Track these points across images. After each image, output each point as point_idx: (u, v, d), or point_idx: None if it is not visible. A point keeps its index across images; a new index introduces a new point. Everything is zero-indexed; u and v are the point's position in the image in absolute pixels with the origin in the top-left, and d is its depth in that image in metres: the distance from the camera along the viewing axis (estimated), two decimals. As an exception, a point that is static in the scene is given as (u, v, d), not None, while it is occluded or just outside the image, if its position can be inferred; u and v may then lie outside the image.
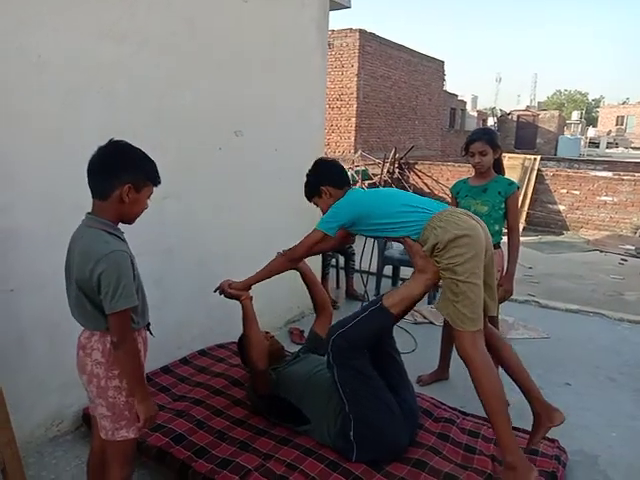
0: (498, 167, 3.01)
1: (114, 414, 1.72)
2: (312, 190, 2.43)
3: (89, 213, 1.70)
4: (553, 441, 2.51)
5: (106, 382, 1.69)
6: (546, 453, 2.38)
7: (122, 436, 1.73)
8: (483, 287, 2.08)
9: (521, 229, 10.37)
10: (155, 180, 1.73)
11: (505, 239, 3.01)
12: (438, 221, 2.07)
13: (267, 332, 2.90)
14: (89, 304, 1.65)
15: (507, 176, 3.07)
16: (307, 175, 2.46)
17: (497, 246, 3.02)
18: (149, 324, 1.86)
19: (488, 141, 2.88)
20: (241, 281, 2.55)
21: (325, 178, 2.39)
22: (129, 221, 1.75)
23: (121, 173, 1.63)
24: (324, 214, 2.36)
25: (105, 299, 1.58)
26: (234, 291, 2.58)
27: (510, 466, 2.03)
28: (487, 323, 2.24)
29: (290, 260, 2.41)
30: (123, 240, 1.70)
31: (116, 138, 1.67)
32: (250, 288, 2.57)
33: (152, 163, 1.72)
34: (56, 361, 2.52)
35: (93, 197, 1.69)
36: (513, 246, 2.98)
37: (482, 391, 2.08)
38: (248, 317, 2.59)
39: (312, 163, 2.50)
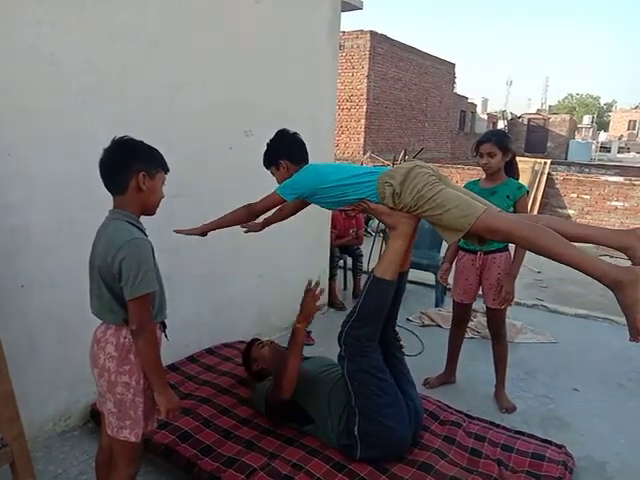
0: (511, 170, 2.99)
1: (120, 411, 1.73)
2: (270, 160, 2.41)
3: (111, 210, 1.74)
4: (560, 447, 2.50)
5: (116, 377, 1.71)
6: (553, 459, 2.36)
7: (124, 437, 1.74)
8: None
9: (530, 233, 10.33)
10: (165, 167, 1.79)
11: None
12: (385, 177, 2.15)
13: (271, 341, 2.92)
14: (107, 293, 1.67)
15: (519, 179, 3.05)
16: (268, 144, 2.43)
17: (504, 248, 3.02)
18: (165, 327, 1.88)
19: (497, 143, 2.88)
20: (200, 226, 2.47)
21: (285, 153, 2.37)
22: (151, 210, 1.79)
23: (133, 163, 1.69)
24: (280, 184, 2.39)
25: (126, 285, 1.61)
26: (192, 230, 2.47)
27: (615, 283, 1.79)
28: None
29: (249, 214, 2.42)
30: (144, 231, 1.74)
31: (118, 136, 1.72)
32: (206, 234, 2.48)
33: (158, 152, 1.78)
34: (65, 357, 2.54)
35: (113, 194, 1.73)
36: (520, 249, 2.95)
37: (539, 247, 1.89)
38: (297, 344, 2.39)
39: (276, 132, 2.43)
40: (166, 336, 1.90)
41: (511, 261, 2.99)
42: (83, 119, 2.48)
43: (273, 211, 2.57)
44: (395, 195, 2.10)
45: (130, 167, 1.68)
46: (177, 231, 2.41)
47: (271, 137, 2.43)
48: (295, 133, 2.42)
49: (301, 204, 2.50)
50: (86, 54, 2.46)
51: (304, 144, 2.43)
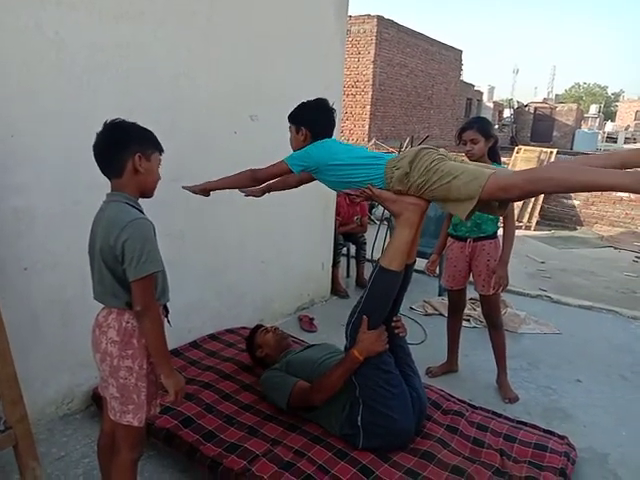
0: (494, 155, 3.00)
1: (122, 396, 1.72)
2: (294, 120, 2.36)
3: (109, 193, 1.72)
4: (563, 438, 2.49)
5: (118, 362, 1.70)
6: (555, 449, 2.35)
7: (127, 421, 1.73)
8: None
9: (534, 223, 10.28)
10: (160, 147, 1.77)
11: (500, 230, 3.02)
12: (393, 161, 2.13)
13: (275, 328, 2.91)
14: (110, 275, 1.66)
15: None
16: (303, 104, 2.36)
17: (493, 236, 3.04)
18: (168, 311, 1.86)
19: (479, 129, 2.88)
20: (202, 183, 2.46)
21: (311, 122, 2.31)
22: (149, 192, 1.78)
23: (128, 145, 1.67)
24: (292, 146, 2.38)
25: (130, 266, 1.59)
26: (195, 187, 2.46)
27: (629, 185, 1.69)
28: None
29: (253, 179, 2.37)
30: (143, 213, 1.72)
31: (110, 119, 1.69)
32: (209, 193, 2.47)
33: (151, 132, 1.75)
34: (67, 340, 2.54)
35: (110, 178, 1.71)
36: (508, 233, 2.97)
37: (561, 184, 1.83)
38: (347, 370, 2.25)
39: (318, 98, 2.37)
40: (169, 321, 1.88)
41: (500, 248, 3.01)
42: (87, 100, 2.44)
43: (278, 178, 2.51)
44: (404, 176, 2.07)
45: (125, 149, 1.66)
46: (184, 187, 2.46)
47: (310, 99, 2.37)
48: (332, 109, 2.36)
49: (307, 177, 2.45)
50: (90, 34, 2.42)
51: (334, 123, 2.38)
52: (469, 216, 2.00)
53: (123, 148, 1.67)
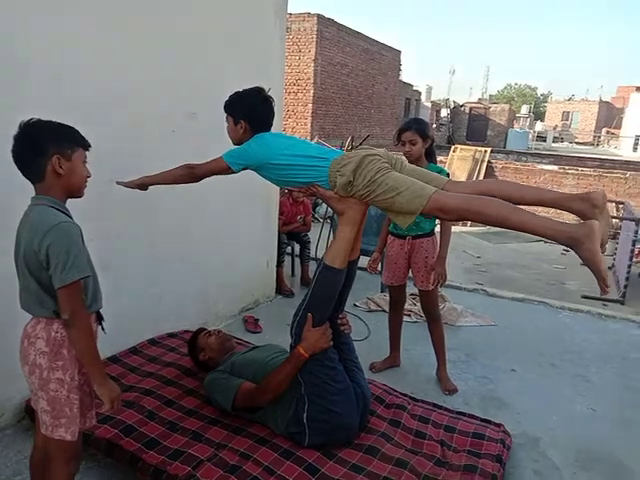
0: (430, 156, 3.11)
1: (54, 409, 1.65)
2: (231, 110, 2.30)
3: (33, 197, 1.64)
4: (499, 425, 2.62)
5: (48, 374, 1.62)
6: (492, 437, 2.47)
7: (60, 435, 1.67)
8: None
9: (471, 219, 10.70)
10: (83, 143, 1.68)
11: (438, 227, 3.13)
12: (337, 165, 2.11)
13: (218, 331, 2.87)
14: (34, 282, 1.59)
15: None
16: (238, 93, 2.30)
17: (431, 233, 3.15)
18: (102, 318, 1.79)
19: (417, 130, 2.99)
20: (138, 178, 2.39)
21: (248, 113, 2.25)
22: (77, 193, 1.71)
23: (43, 148, 1.59)
24: (230, 137, 2.33)
25: (55, 272, 1.53)
26: (130, 182, 2.39)
27: (572, 240, 1.78)
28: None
29: (190, 175, 2.32)
30: (70, 217, 1.65)
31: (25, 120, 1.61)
32: (146, 188, 2.40)
33: (72, 128, 1.67)
34: (-5, 352, 2.39)
35: (32, 183, 1.64)
36: (445, 230, 3.09)
37: (493, 219, 1.92)
38: (294, 369, 2.26)
39: (254, 86, 2.30)
40: (103, 329, 1.82)
41: (437, 245, 3.13)
42: (14, 96, 2.30)
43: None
44: (347, 184, 2.07)
45: (42, 152, 1.58)
46: (118, 182, 2.35)
47: (246, 88, 2.30)
48: (269, 98, 2.30)
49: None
50: (17, 27, 2.28)
51: (273, 114, 2.32)
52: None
53: (39, 151, 1.59)
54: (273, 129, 2.39)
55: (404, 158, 2.73)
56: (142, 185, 2.38)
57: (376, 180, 2.02)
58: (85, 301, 1.64)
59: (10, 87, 2.31)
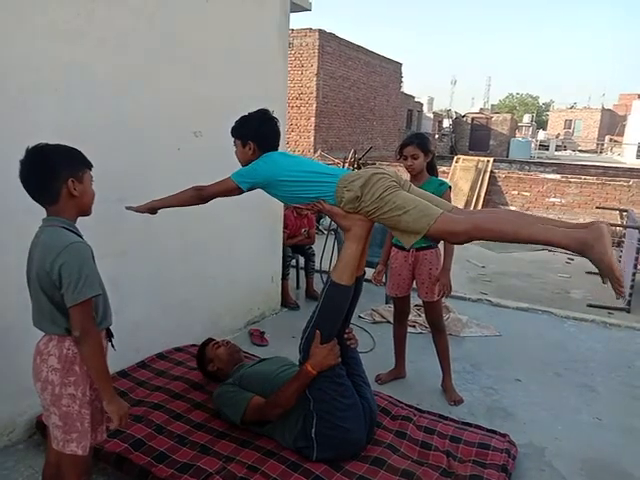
0: (431, 170, 3.17)
1: (66, 424, 1.69)
2: (239, 134, 2.37)
3: (45, 218, 1.69)
4: (504, 436, 2.63)
5: (60, 389, 1.66)
6: (497, 447, 2.48)
7: (71, 450, 1.70)
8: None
9: (475, 229, 10.71)
10: (89, 163, 1.75)
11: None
12: (344, 181, 2.15)
13: (227, 341, 2.91)
14: (47, 302, 1.63)
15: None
16: (245, 117, 2.37)
17: (435, 245, 3.19)
18: (112, 335, 1.84)
19: (419, 145, 3.05)
20: (147, 202, 2.44)
21: (256, 135, 2.32)
22: (87, 212, 1.77)
23: (58, 172, 1.64)
24: (239, 160, 2.38)
25: (67, 291, 1.57)
26: (139, 207, 2.44)
27: (582, 245, 1.78)
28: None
29: (199, 197, 2.37)
30: (81, 237, 1.70)
31: (32, 145, 1.66)
32: (156, 212, 2.45)
33: (77, 150, 1.73)
34: (8, 367, 2.44)
35: (43, 206, 1.69)
36: (449, 245, 3.10)
37: (503, 235, 1.93)
38: (302, 385, 2.28)
39: (259, 109, 2.37)
40: (113, 346, 1.86)
41: (441, 256, 3.16)
42: (23, 121, 2.37)
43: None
44: (355, 199, 2.11)
45: (57, 177, 1.63)
46: (128, 207, 2.41)
47: (251, 112, 2.37)
48: (274, 119, 2.37)
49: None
50: (25, 53, 2.36)
51: (279, 134, 2.39)
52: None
53: (54, 176, 1.63)
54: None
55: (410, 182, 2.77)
56: (151, 209, 2.43)
57: (384, 197, 2.06)
58: (96, 318, 1.68)
59: (14, 111, 2.37)
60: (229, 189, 2.30)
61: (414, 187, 2.26)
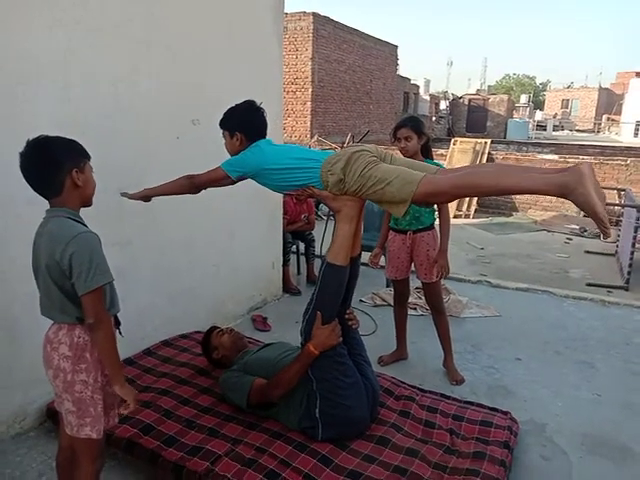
0: (426, 152, 3.18)
1: (79, 409, 1.73)
2: (226, 125, 2.39)
3: (49, 209, 1.71)
4: (506, 413, 2.68)
5: (72, 376, 1.70)
6: (499, 425, 2.53)
7: (85, 434, 1.74)
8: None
9: (473, 211, 10.74)
10: (87, 154, 1.76)
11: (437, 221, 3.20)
12: (327, 165, 2.17)
13: (231, 329, 2.95)
14: (57, 292, 1.66)
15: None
16: (232, 108, 2.39)
17: (431, 227, 3.22)
18: (119, 322, 1.87)
19: (413, 127, 3.07)
20: (140, 190, 2.48)
21: (243, 125, 2.35)
22: (89, 202, 1.79)
23: (62, 164, 1.66)
24: (228, 151, 2.41)
25: (79, 279, 1.60)
26: (133, 194, 2.49)
27: (564, 189, 1.76)
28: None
29: (191, 185, 2.41)
30: (86, 226, 1.73)
31: (32, 137, 1.67)
32: (149, 199, 2.50)
33: (76, 141, 1.74)
34: (17, 357, 2.48)
35: (46, 197, 1.70)
36: (443, 223, 3.15)
37: (482, 188, 1.97)
38: (304, 365, 2.33)
39: (245, 100, 2.40)
40: (120, 332, 1.89)
41: (438, 238, 3.19)
42: (22, 111, 2.38)
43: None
44: (339, 182, 2.14)
45: (61, 168, 1.65)
46: (122, 194, 2.47)
47: (238, 103, 2.39)
48: (261, 109, 2.39)
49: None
50: (23, 44, 2.35)
51: (266, 123, 2.41)
52: (404, 214, 2.11)
53: (58, 168, 1.65)
54: (274, 134, 2.47)
55: (398, 153, 2.80)
56: (145, 197, 2.47)
57: (365, 174, 2.08)
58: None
59: (13, 102, 2.37)
60: (219, 178, 2.33)
61: (396, 156, 2.28)
